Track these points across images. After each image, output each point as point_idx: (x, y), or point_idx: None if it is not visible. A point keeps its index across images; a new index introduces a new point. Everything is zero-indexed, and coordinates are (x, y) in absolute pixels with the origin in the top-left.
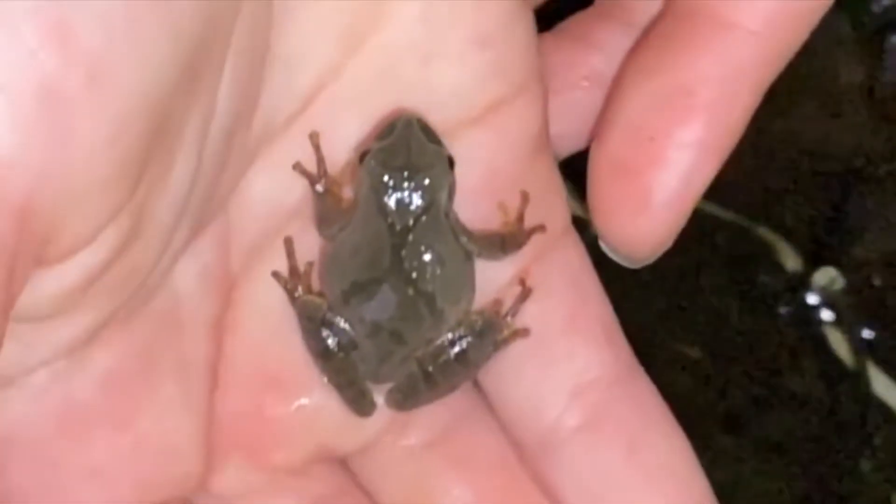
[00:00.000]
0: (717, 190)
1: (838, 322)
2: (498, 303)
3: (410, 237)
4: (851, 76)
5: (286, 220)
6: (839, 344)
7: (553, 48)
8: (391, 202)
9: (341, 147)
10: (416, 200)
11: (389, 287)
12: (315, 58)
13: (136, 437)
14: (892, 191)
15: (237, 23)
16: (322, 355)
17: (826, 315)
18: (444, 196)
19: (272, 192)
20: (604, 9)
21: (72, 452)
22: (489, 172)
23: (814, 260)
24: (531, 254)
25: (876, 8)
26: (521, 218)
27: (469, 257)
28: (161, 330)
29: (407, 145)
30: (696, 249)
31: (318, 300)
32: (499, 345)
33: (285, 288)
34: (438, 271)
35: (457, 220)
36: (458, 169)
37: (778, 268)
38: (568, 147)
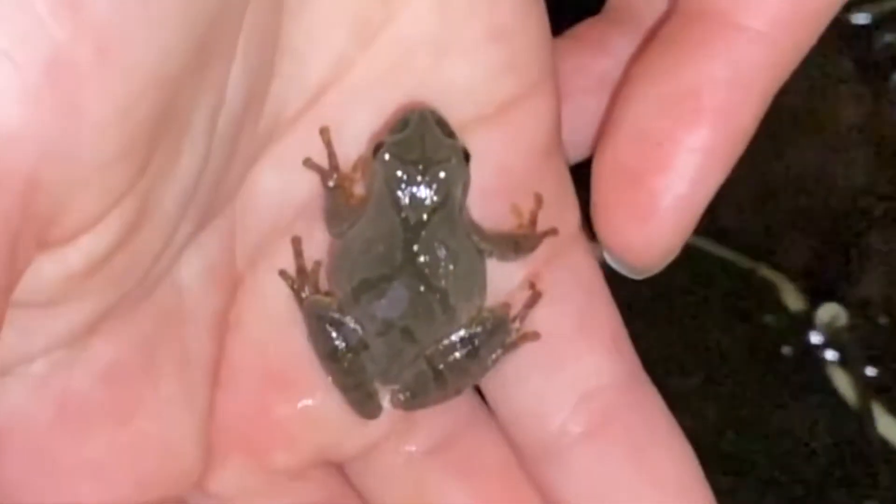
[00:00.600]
0: (719, 230)
1: (842, 361)
2: (507, 306)
3: (424, 232)
4: (854, 114)
5: (294, 216)
6: (843, 384)
7: (563, 53)
8: (405, 196)
9: (352, 142)
10: (431, 195)
11: (401, 284)
12: (327, 49)
13: (135, 432)
14: (894, 229)
15: (249, 8)
16: (330, 357)
17: (830, 355)
18: (458, 190)
19: (280, 187)
20: (614, 14)
21: (69, 446)
22: (501, 172)
23: (817, 299)
24: (542, 257)
25: (878, 45)
26: (534, 221)
27: (481, 254)
28: (163, 324)
29: (422, 139)
30: (698, 290)
31: (326, 300)
32: (509, 347)
33: (292, 288)
34: (451, 267)
35: (470, 217)
36: (470, 167)
37: (781, 308)
38: (576, 154)
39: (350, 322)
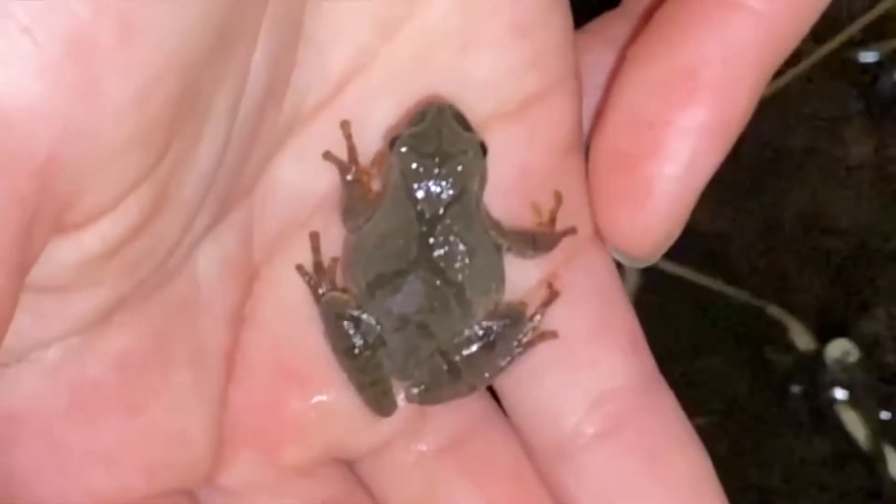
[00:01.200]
0: (727, 268)
1: (852, 400)
2: (524, 304)
3: (439, 226)
4: (861, 152)
5: (312, 210)
6: (853, 423)
7: (581, 49)
8: (421, 189)
9: (373, 135)
10: (447, 188)
11: (417, 278)
12: (349, 41)
13: (147, 422)
14: None
15: None
16: (347, 354)
17: (839, 394)
18: (475, 184)
19: (299, 180)
20: (631, 9)
21: (81, 434)
22: (521, 169)
23: (825, 338)
24: (560, 257)
25: (885, 84)
26: (553, 220)
27: (499, 249)
28: (178, 315)
29: (438, 132)
30: (706, 328)
31: (343, 297)
32: (526, 346)
33: (309, 284)
34: (468, 261)
35: (487, 212)
36: (489, 165)
37: (790, 346)
38: None
39: (368, 319)
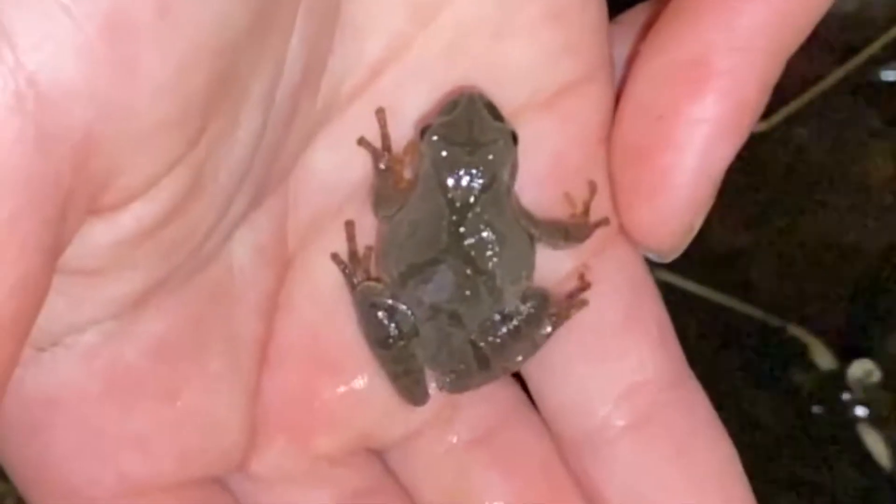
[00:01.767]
0: (748, 288)
1: (873, 419)
2: (546, 290)
3: (470, 214)
4: (882, 171)
5: (346, 197)
6: (875, 443)
7: (614, 40)
8: (452, 178)
9: (408, 122)
10: (478, 176)
11: (447, 267)
12: (385, 28)
13: (181, 408)
14: None
15: None
16: (381, 344)
17: (861, 412)
18: (506, 173)
19: (333, 167)
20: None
21: (115, 419)
22: (555, 159)
23: (847, 358)
24: (592, 248)
25: None
26: (587, 210)
27: (531, 239)
28: (213, 301)
29: (469, 121)
30: (727, 348)
31: (378, 286)
32: (558, 321)
33: (344, 273)
34: (498, 249)
35: (518, 201)
36: (523, 155)
37: (811, 366)
38: None
39: (402, 308)
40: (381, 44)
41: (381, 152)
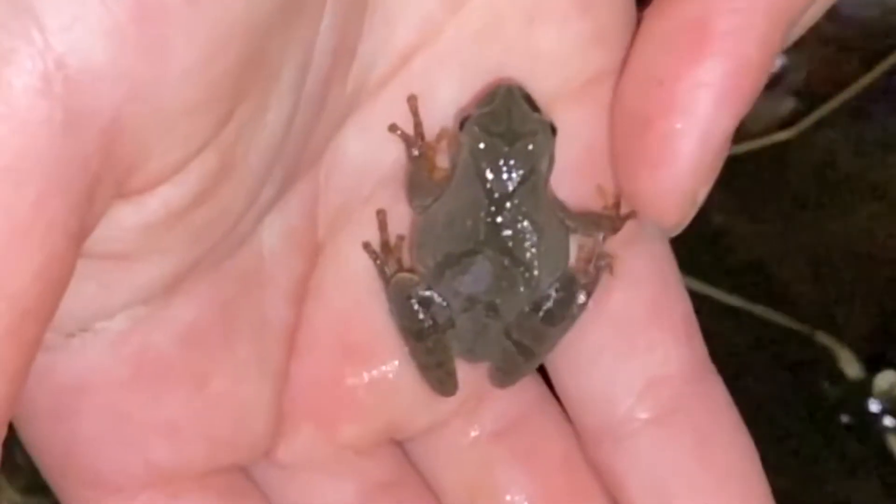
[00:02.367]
0: (776, 296)
1: None
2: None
3: (508, 205)
4: None
5: (376, 185)
6: None
7: None
8: (491, 169)
9: (439, 109)
10: (517, 168)
11: (485, 258)
12: (416, 13)
13: (210, 395)
14: None
15: None
16: (417, 335)
17: (889, 422)
18: (544, 165)
19: (364, 153)
20: None
21: (144, 406)
22: (588, 150)
23: (874, 368)
24: (621, 239)
25: None
26: (618, 203)
27: (566, 230)
28: (243, 287)
29: (508, 112)
30: (753, 356)
31: (413, 277)
32: (591, 283)
33: (375, 262)
34: (535, 240)
35: (553, 194)
36: (557, 144)
37: (839, 375)
38: None
39: (438, 299)
40: (412, 29)
41: (413, 139)
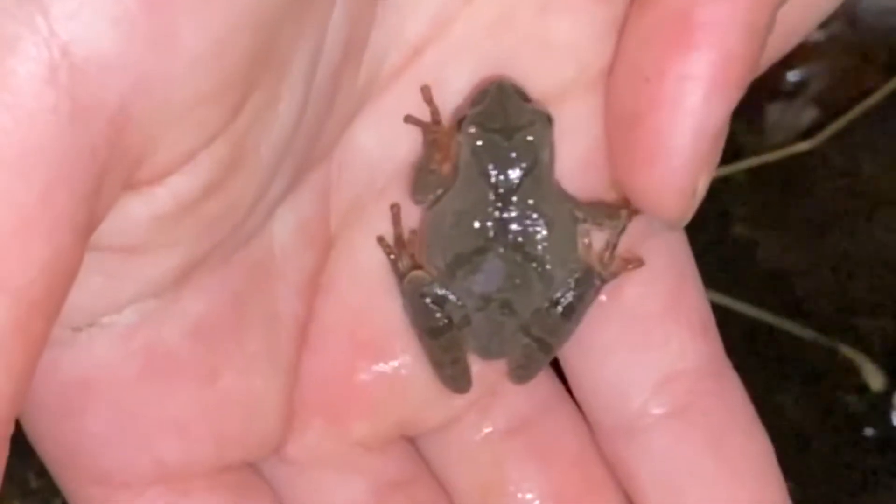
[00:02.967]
0: (798, 308)
1: None
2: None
3: (515, 198)
4: None
5: (391, 177)
6: None
7: None
8: (493, 165)
9: (452, 101)
10: (519, 161)
11: (496, 255)
12: (428, 3)
13: (220, 391)
14: None
15: None
16: (432, 333)
17: None
18: (546, 155)
19: (376, 146)
20: None
21: (152, 402)
22: (598, 143)
23: None
24: (637, 233)
25: None
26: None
27: (575, 221)
28: (254, 281)
29: (503, 107)
30: (777, 370)
31: (427, 276)
32: (609, 277)
33: (389, 257)
34: (546, 233)
35: (559, 184)
36: (567, 136)
37: (862, 388)
38: None
39: (454, 298)
40: (424, 19)
41: (430, 125)
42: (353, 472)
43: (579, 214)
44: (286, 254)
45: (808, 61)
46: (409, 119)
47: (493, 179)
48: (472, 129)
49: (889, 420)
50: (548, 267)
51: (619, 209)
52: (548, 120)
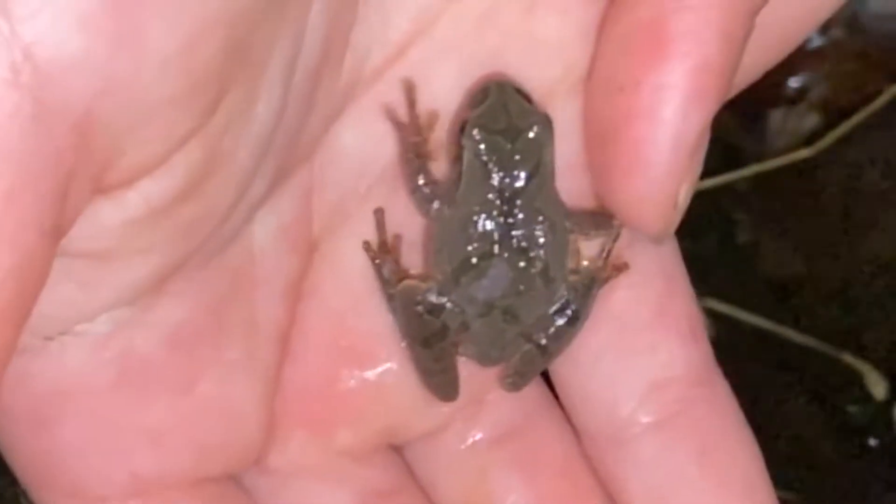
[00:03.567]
0: (801, 316)
1: None
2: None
3: (521, 202)
4: None
5: (374, 179)
6: None
7: None
8: (498, 167)
9: (436, 99)
10: (524, 163)
11: (501, 260)
12: (412, 1)
13: (198, 400)
14: None
15: None
16: (423, 342)
17: None
18: (549, 156)
19: (361, 147)
20: None
21: (127, 412)
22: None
23: None
24: (625, 239)
25: None
26: None
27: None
28: (233, 287)
29: (505, 107)
30: (781, 379)
31: (421, 284)
32: (600, 284)
33: (373, 262)
34: (549, 238)
35: (556, 190)
36: (557, 136)
37: (866, 397)
38: None
39: (449, 305)
40: (408, 17)
41: (409, 126)
42: (337, 482)
43: (568, 224)
44: (267, 258)
45: (809, 67)
46: (388, 114)
47: (497, 183)
48: (475, 132)
49: (893, 430)
50: (550, 272)
51: (607, 219)
52: (548, 121)
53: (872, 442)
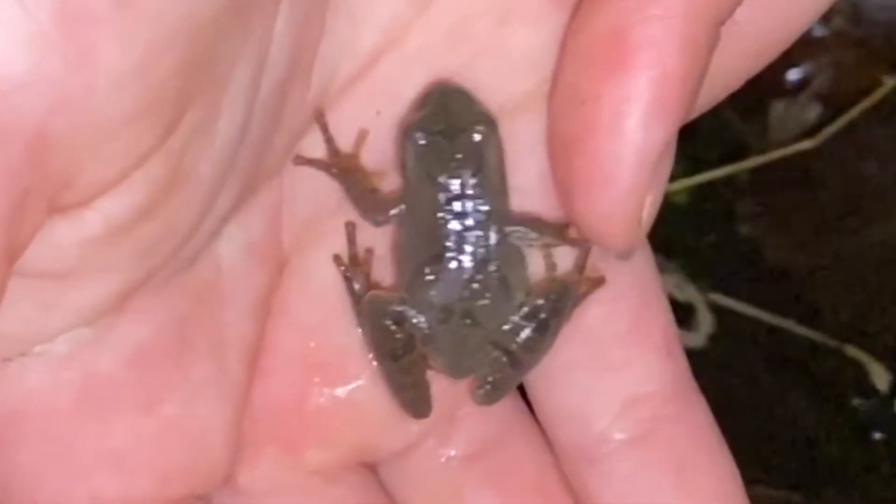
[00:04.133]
0: (805, 309)
1: None
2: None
3: (467, 203)
4: None
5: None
6: None
7: None
8: (438, 167)
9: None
10: (465, 162)
11: (453, 263)
12: (382, 12)
13: (162, 421)
14: None
15: None
16: (391, 355)
17: None
18: (493, 156)
19: None
20: None
21: (89, 434)
22: None
23: None
24: (599, 251)
25: None
26: None
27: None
28: (199, 304)
29: (445, 110)
30: (782, 371)
31: (387, 295)
32: (576, 301)
33: (345, 277)
34: (500, 238)
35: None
36: (524, 153)
37: (870, 390)
38: None
39: (414, 316)
40: (378, 29)
41: (329, 160)
42: (309, 502)
43: (533, 237)
44: (235, 275)
45: (811, 58)
46: (318, 117)
47: (441, 187)
48: (415, 134)
49: None
50: (503, 272)
51: (561, 230)
52: (492, 121)
53: (877, 435)
